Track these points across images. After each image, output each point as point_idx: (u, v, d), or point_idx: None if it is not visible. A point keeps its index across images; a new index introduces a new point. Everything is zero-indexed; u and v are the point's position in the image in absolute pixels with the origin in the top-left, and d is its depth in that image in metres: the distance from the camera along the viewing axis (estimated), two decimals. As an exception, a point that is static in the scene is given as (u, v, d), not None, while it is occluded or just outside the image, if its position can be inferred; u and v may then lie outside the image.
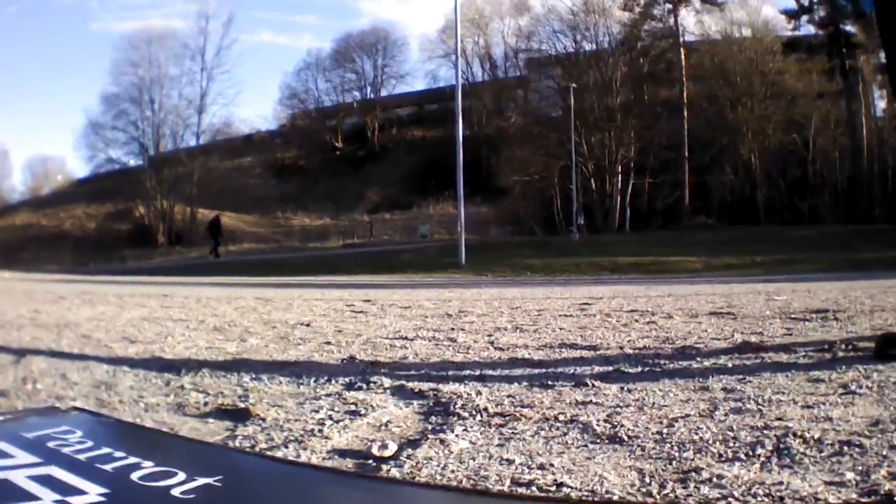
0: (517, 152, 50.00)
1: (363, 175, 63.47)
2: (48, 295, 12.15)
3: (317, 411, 3.24)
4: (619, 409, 3.18)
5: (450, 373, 4.18)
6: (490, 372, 4.21)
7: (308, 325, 7.26)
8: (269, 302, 10.98)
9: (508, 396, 3.50)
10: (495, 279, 23.30)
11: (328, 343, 5.67)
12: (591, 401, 3.38)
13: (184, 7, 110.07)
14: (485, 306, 9.67)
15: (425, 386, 3.76)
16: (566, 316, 7.87)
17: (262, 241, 52.66)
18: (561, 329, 6.53)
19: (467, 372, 4.21)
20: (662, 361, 4.48)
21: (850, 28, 46.57)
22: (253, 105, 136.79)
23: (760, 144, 48.71)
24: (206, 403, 3.42)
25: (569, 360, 4.60)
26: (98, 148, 62.53)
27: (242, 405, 3.33)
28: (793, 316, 6.96)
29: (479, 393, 3.54)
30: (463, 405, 3.27)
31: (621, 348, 5.15)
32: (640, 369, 4.21)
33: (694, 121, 51.02)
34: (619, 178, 49.62)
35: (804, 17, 47.96)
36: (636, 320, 7.16)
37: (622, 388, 3.63)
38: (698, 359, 4.51)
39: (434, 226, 51.47)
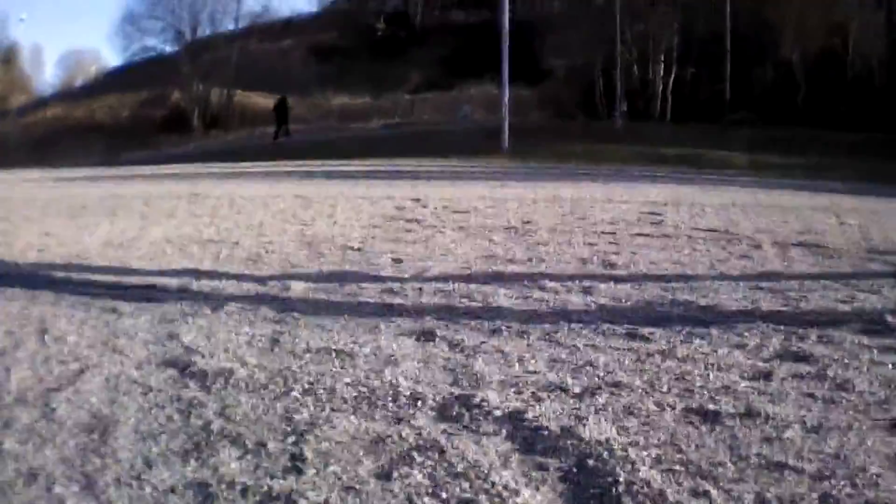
0: (560, 34, 48.07)
1: (404, 57, 61.45)
2: (70, 204, 10.79)
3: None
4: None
5: (570, 379, 3.05)
6: (623, 361, 3.13)
7: (359, 249, 6.18)
8: (311, 204, 9.92)
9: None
10: (540, 167, 22.13)
11: (391, 291, 4.61)
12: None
13: None
14: (548, 213, 8.63)
15: (557, 407, 2.64)
16: (646, 236, 7.06)
17: (302, 121, 50.88)
18: (653, 264, 5.60)
19: (590, 376, 3.10)
20: (807, 334, 3.71)
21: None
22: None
23: (801, 45, 46.09)
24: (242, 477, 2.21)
25: (695, 330, 3.61)
26: (133, 38, 59.94)
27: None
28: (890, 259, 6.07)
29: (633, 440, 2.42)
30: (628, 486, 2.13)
31: (745, 312, 4.19)
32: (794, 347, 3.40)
33: (736, 16, 48.58)
34: (661, 67, 47.75)
35: None
36: (726, 250, 6.36)
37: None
38: (843, 331, 3.77)
39: (474, 107, 49.85)
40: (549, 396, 2.85)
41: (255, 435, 2.48)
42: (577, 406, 2.75)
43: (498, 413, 2.66)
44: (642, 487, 2.10)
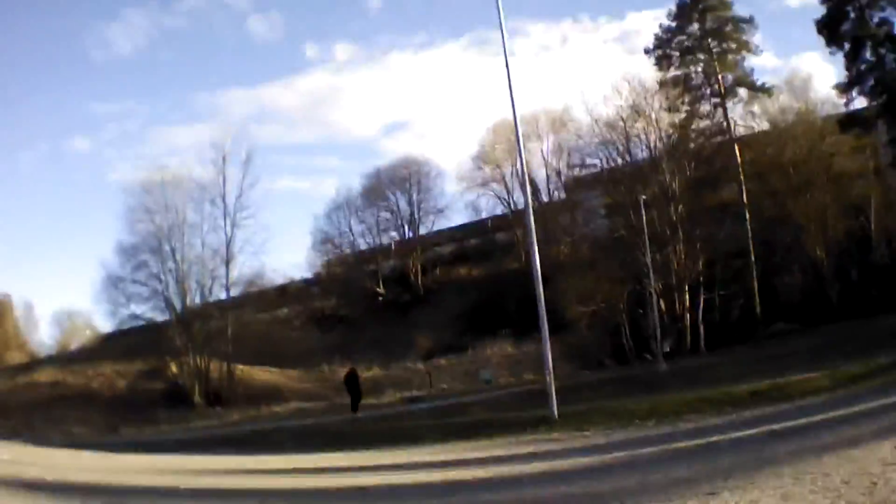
0: (578, 281, 44.84)
1: (410, 320, 58.75)
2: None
3: None
4: None
5: None
6: None
7: None
8: None
9: None
10: (606, 438, 18.17)
11: None
12: None
13: (201, 154, 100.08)
14: None
15: None
16: None
17: (310, 397, 46.79)
18: None
19: None
20: None
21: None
22: (284, 253, 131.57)
23: (824, 236, 45.87)
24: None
25: None
26: (119, 303, 56.23)
27: None
28: None
29: None
30: None
31: None
32: None
33: (756, 222, 47.80)
34: (688, 296, 44.68)
35: (856, 89, 42.94)
36: None
37: None
38: None
39: (495, 368, 46.28)
40: None
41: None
42: None
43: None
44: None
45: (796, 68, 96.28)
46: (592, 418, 22.02)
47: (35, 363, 62.20)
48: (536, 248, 24.94)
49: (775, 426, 15.44)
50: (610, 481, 10.85)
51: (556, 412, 22.80)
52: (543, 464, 14.32)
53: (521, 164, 27.83)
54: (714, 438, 15.09)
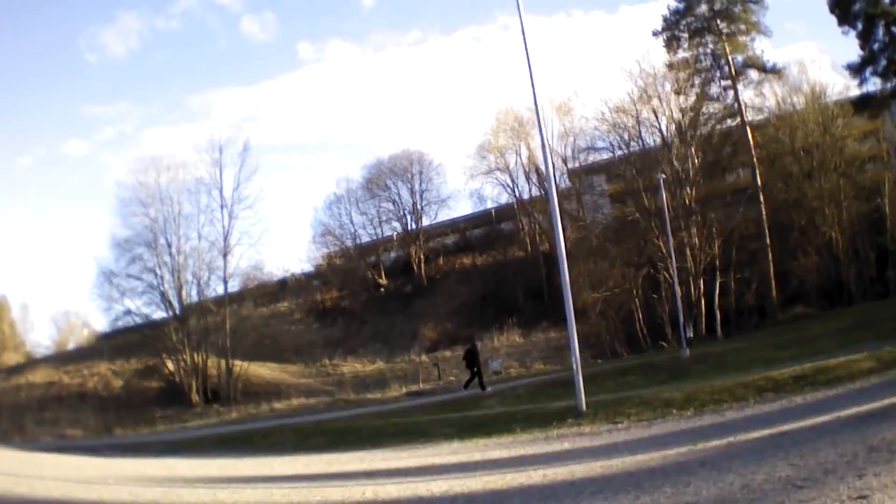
0: (589, 267, 43.08)
1: (413, 311, 56.82)
2: None
3: None
4: None
5: None
6: None
7: None
8: None
9: None
10: (646, 431, 15.88)
11: None
12: None
13: (197, 153, 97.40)
14: None
15: None
16: None
17: (311, 393, 44.66)
18: None
19: None
20: None
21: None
22: (283, 250, 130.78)
23: (839, 218, 44.58)
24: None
25: None
26: (114, 298, 54.20)
27: None
28: None
29: None
30: None
31: None
32: None
33: (770, 205, 46.53)
34: (702, 280, 42.79)
35: (869, 69, 41.44)
36: None
37: None
38: None
39: (504, 359, 44.10)
40: None
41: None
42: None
43: None
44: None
45: (802, 55, 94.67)
46: (623, 409, 19.62)
47: (31, 363, 60.85)
48: (561, 229, 22.99)
49: (846, 412, 13.05)
50: (698, 486, 8.33)
51: (583, 403, 20.49)
52: (594, 463, 11.75)
53: (543, 143, 25.03)
54: (784, 427, 12.59)
